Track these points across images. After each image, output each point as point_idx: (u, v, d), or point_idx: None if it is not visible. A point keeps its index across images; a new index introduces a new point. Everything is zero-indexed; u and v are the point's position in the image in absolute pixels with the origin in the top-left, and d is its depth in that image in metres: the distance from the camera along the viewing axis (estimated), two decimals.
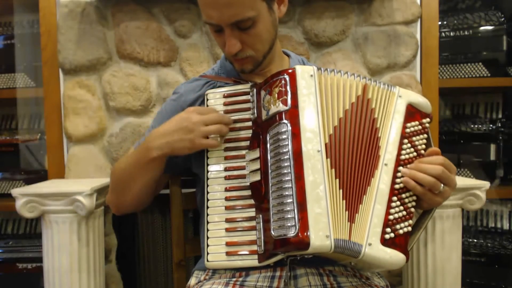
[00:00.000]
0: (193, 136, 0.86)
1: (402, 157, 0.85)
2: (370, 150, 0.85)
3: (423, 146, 0.87)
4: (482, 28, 1.79)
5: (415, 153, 0.86)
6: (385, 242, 0.80)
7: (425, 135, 0.88)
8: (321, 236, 0.74)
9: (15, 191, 1.33)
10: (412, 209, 0.84)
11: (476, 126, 1.84)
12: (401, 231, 0.81)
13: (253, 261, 0.82)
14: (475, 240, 1.80)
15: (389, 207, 0.82)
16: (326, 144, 0.82)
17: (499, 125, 1.83)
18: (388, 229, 0.80)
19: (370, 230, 0.79)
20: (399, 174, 0.84)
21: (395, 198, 0.83)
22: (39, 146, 1.86)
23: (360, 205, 0.82)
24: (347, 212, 0.80)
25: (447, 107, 1.97)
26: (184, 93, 1.02)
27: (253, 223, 0.83)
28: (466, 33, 1.80)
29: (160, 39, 1.58)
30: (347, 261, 0.84)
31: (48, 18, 1.60)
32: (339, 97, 0.87)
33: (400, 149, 0.85)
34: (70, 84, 1.59)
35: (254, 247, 0.82)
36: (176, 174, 1.12)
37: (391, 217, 0.81)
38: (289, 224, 0.76)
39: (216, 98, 0.93)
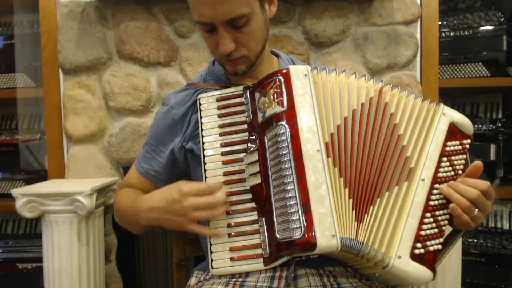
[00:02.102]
0: (182, 220, 0.83)
1: (440, 174, 0.84)
2: (390, 156, 0.84)
3: (461, 166, 0.86)
4: (482, 28, 1.79)
5: (452, 173, 0.85)
6: (414, 257, 0.79)
7: (464, 156, 0.87)
8: (327, 236, 0.74)
9: (15, 191, 1.33)
10: (444, 228, 0.83)
11: (476, 126, 1.84)
12: (431, 248, 0.80)
13: (259, 265, 0.81)
14: (475, 240, 1.80)
15: (421, 222, 0.81)
16: (326, 143, 0.81)
17: (499, 125, 1.82)
18: (419, 245, 0.79)
19: (400, 243, 0.79)
20: (435, 191, 0.83)
21: (428, 214, 0.81)
22: (39, 146, 1.86)
23: (371, 207, 0.81)
24: (354, 211, 0.79)
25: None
26: (174, 106, 1.00)
27: (256, 227, 0.83)
28: (466, 33, 1.80)
29: (160, 39, 1.58)
30: (371, 272, 0.84)
31: (48, 18, 1.61)
32: (343, 97, 0.86)
33: (438, 166, 0.84)
34: (70, 84, 1.59)
35: (259, 251, 0.81)
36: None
37: (422, 232, 0.80)
38: (294, 226, 0.75)
39: (209, 102, 0.91)
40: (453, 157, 0.86)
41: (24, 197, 1.33)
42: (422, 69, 1.64)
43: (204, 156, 0.89)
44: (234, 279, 0.87)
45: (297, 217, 0.75)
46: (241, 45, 0.89)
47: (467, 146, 0.88)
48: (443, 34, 1.80)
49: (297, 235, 0.74)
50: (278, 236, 0.77)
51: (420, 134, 0.87)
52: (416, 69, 1.64)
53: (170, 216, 0.84)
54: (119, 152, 1.58)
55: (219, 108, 0.91)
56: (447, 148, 0.86)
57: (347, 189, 0.80)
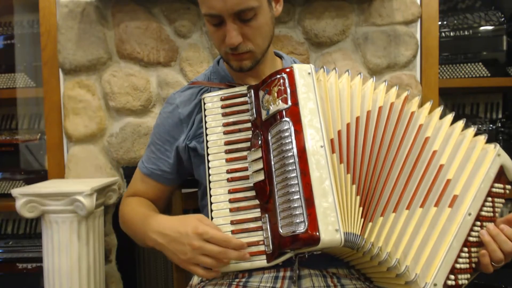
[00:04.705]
0: (185, 259, 0.82)
1: (482, 213, 0.84)
2: (422, 170, 0.83)
3: (499, 210, 0.86)
4: (482, 28, 1.79)
5: (491, 214, 0.85)
6: (445, 287, 0.79)
7: (503, 200, 0.87)
8: (331, 230, 0.73)
9: (15, 191, 1.33)
10: (474, 265, 0.83)
11: (476, 126, 1.84)
12: (460, 282, 0.81)
13: (262, 262, 0.81)
14: None
15: (458, 255, 0.81)
16: (332, 140, 0.81)
17: (499, 125, 1.82)
18: (452, 276, 0.80)
19: (439, 271, 0.78)
20: (475, 228, 0.83)
21: (465, 249, 0.81)
22: (39, 146, 1.86)
23: (394, 214, 0.80)
24: (361, 208, 0.79)
25: (447, 107, 1.97)
26: (180, 105, 1.00)
27: (259, 223, 0.83)
28: (466, 33, 1.80)
29: (160, 39, 1.58)
30: None
31: (48, 18, 1.60)
32: (356, 98, 0.87)
33: (483, 205, 0.84)
34: (70, 84, 1.59)
35: (262, 248, 0.81)
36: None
37: (457, 265, 0.80)
38: (297, 221, 0.75)
39: (213, 102, 0.92)
40: (496, 199, 0.85)
41: (24, 197, 1.33)
42: (422, 69, 1.64)
43: (208, 154, 0.89)
44: (237, 279, 0.87)
45: (301, 212, 0.75)
46: (248, 39, 0.90)
47: (507, 192, 0.88)
48: (443, 34, 1.80)
49: (300, 229, 0.74)
50: (281, 231, 0.77)
51: (467, 164, 0.85)
52: (416, 69, 1.64)
53: (175, 250, 0.82)
54: (119, 152, 1.58)
55: (223, 107, 0.92)
56: (493, 189, 0.85)
57: (354, 186, 0.80)
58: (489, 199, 0.85)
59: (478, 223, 0.83)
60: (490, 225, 0.83)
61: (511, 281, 1.72)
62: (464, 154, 0.86)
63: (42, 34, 1.61)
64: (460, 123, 0.89)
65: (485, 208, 0.84)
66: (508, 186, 0.88)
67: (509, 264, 1.78)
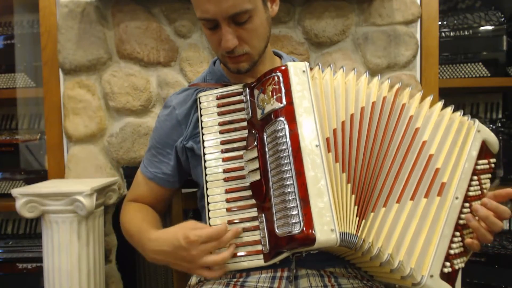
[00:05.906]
0: (191, 267, 0.83)
1: (470, 193, 0.83)
2: (412, 162, 0.83)
3: (487, 185, 0.86)
4: (482, 28, 1.79)
5: (479, 192, 0.84)
6: (442, 275, 0.79)
7: (490, 175, 0.86)
8: (326, 230, 0.73)
9: (15, 191, 1.33)
10: (467, 247, 0.83)
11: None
12: (456, 266, 0.80)
13: (259, 261, 0.81)
14: None
15: (451, 241, 0.80)
16: (327, 139, 0.81)
17: (499, 125, 1.82)
18: (447, 263, 0.79)
19: (433, 262, 0.78)
20: (464, 210, 0.82)
21: (457, 233, 0.81)
22: (39, 146, 1.86)
23: (384, 208, 0.80)
24: (356, 207, 0.79)
25: (447, 107, 1.97)
26: (176, 106, 1.00)
27: (256, 223, 0.83)
28: (466, 33, 1.80)
29: (160, 39, 1.58)
30: (393, 283, 0.83)
31: (48, 18, 1.61)
32: (350, 95, 0.86)
33: (469, 184, 0.83)
34: (70, 84, 1.59)
35: (259, 247, 0.81)
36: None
37: (451, 251, 0.80)
38: (293, 221, 0.75)
39: (209, 101, 0.92)
40: (482, 176, 0.84)
41: (24, 197, 1.33)
42: (422, 69, 1.64)
43: (204, 154, 0.89)
44: (235, 279, 0.87)
45: (296, 212, 0.75)
46: (244, 42, 0.89)
47: (493, 165, 0.87)
48: (443, 34, 1.80)
49: (296, 230, 0.74)
50: (277, 231, 0.77)
51: (453, 148, 0.84)
52: (416, 69, 1.64)
53: (177, 261, 0.83)
54: (119, 152, 1.58)
55: (219, 106, 0.91)
56: (478, 167, 0.84)
57: (349, 185, 0.80)
58: (475, 177, 0.84)
59: (467, 204, 0.82)
60: (479, 207, 0.81)
61: (511, 281, 1.72)
62: (451, 140, 0.85)
63: (42, 34, 1.61)
64: (449, 109, 0.89)
65: (471, 188, 0.83)
66: (492, 160, 0.87)
67: (509, 264, 1.79)
